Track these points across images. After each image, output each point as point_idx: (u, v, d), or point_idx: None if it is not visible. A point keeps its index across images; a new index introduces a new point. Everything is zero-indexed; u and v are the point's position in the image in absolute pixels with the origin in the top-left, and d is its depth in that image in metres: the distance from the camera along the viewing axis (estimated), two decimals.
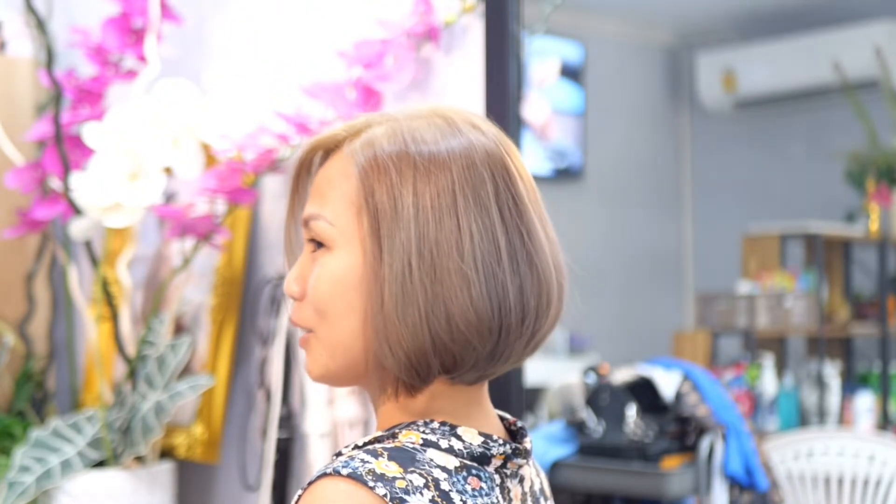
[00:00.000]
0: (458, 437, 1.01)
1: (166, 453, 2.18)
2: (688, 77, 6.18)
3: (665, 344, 5.13)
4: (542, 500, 1.10)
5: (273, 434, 2.04)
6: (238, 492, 2.18)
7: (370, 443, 1.01)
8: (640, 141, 6.10)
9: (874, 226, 4.84)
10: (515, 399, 1.78)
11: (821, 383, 4.45)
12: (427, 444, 1.00)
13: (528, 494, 1.07)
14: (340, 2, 2.09)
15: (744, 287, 4.78)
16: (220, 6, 2.32)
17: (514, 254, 1.00)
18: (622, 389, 3.12)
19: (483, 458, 1.01)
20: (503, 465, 1.02)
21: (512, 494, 1.04)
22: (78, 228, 2.05)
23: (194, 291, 2.23)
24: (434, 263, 0.97)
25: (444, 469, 0.98)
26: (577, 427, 3.16)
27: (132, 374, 2.06)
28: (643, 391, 3.11)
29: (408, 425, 1.02)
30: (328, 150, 1.07)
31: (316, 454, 1.96)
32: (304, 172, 1.09)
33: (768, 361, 4.42)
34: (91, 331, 2.17)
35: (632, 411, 3.07)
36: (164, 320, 2.09)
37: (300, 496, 0.96)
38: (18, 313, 2.44)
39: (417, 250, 0.97)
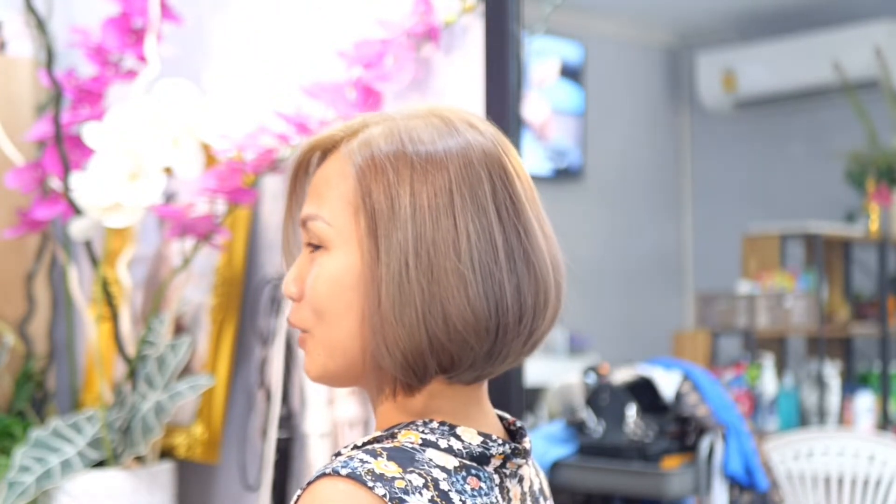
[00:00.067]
0: (458, 437, 1.01)
1: (166, 453, 2.18)
2: (688, 77, 6.18)
3: (665, 344, 5.13)
4: (541, 499, 1.10)
5: (273, 434, 2.04)
6: (238, 492, 2.18)
7: (369, 443, 1.01)
8: (640, 141, 6.10)
9: (874, 226, 4.84)
10: (515, 399, 1.78)
11: (821, 383, 4.45)
12: (426, 443, 0.99)
13: (528, 494, 1.07)
14: (340, 2, 2.09)
15: (744, 287, 4.78)
16: (220, 6, 2.32)
17: (511, 253, 1.00)
18: (622, 389, 3.12)
19: (482, 458, 1.01)
20: (502, 465, 1.02)
21: (511, 494, 1.04)
22: (78, 228, 2.05)
23: (194, 291, 2.23)
24: (431, 263, 0.97)
25: (443, 469, 0.98)
26: (577, 427, 3.16)
27: (132, 374, 2.06)
28: (643, 391, 3.11)
29: (407, 425, 1.02)
30: (326, 150, 1.07)
31: (316, 454, 1.96)
32: (301, 173, 1.09)
33: (768, 361, 4.42)
34: (91, 331, 2.17)
35: (632, 411, 3.07)
36: (164, 320, 2.09)
37: (299, 496, 0.96)
38: (18, 313, 2.44)
39: (414, 250, 0.97)
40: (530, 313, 1.01)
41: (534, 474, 1.10)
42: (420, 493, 0.94)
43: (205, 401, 2.16)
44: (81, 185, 1.98)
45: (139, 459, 2.07)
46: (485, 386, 1.07)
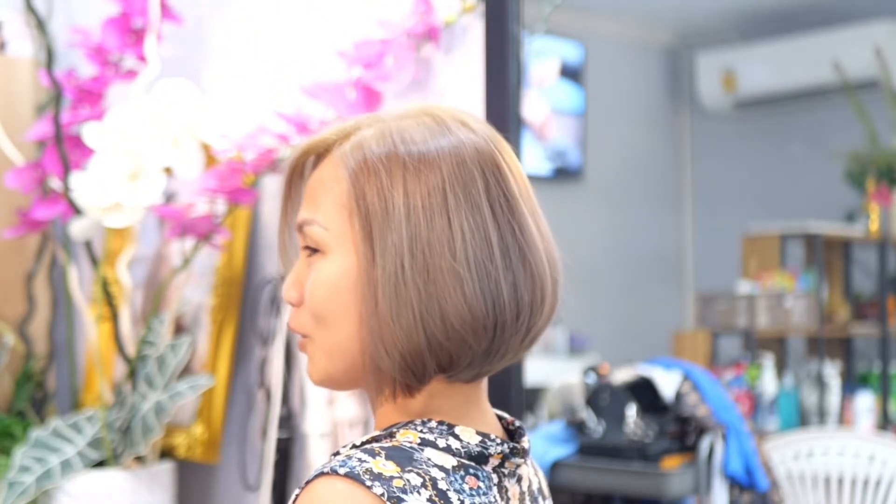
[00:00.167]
0: (456, 437, 1.01)
1: (166, 453, 2.18)
2: (688, 77, 6.18)
3: (665, 344, 5.13)
4: (540, 499, 1.10)
5: (273, 434, 2.04)
6: (238, 492, 2.18)
7: (368, 442, 1.01)
8: (640, 141, 6.10)
9: (874, 226, 4.84)
10: (515, 399, 1.78)
11: (821, 383, 4.45)
12: (425, 443, 1.00)
13: (527, 494, 1.07)
14: (340, 2, 2.09)
15: (744, 287, 4.78)
16: (220, 6, 2.32)
17: (506, 250, 1.00)
18: (622, 389, 3.12)
19: (481, 458, 1.01)
20: (501, 465, 1.03)
21: (510, 494, 1.04)
22: (78, 228, 2.05)
23: (194, 291, 2.23)
24: (426, 263, 0.97)
25: (441, 468, 0.98)
26: (577, 427, 3.16)
27: (132, 374, 2.06)
28: (643, 391, 3.11)
29: (405, 425, 1.02)
30: (319, 154, 1.07)
31: (316, 454, 1.96)
32: (296, 177, 1.09)
33: (768, 361, 4.42)
34: (91, 331, 2.17)
35: (632, 411, 3.07)
36: (164, 320, 2.09)
37: (298, 495, 0.96)
38: (18, 313, 2.44)
39: (409, 251, 0.98)
40: (527, 310, 1.01)
41: (532, 474, 1.10)
42: (418, 493, 0.94)
43: (205, 401, 2.16)
44: (81, 185, 1.98)
45: (139, 459, 2.07)
46: (484, 386, 1.07)
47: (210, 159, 2.05)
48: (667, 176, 6.24)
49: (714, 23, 5.91)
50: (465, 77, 1.88)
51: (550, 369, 4.22)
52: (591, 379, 3.22)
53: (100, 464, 2.03)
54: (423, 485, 0.95)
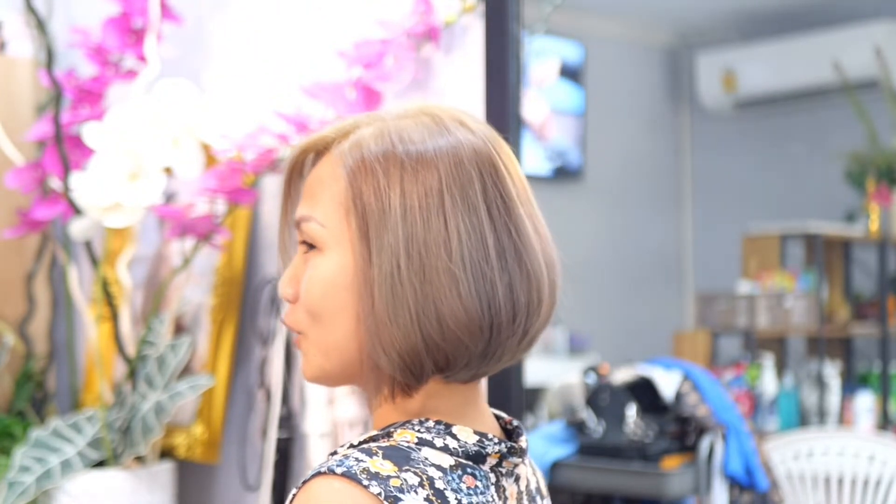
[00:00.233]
0: (453, 436, 1.01)
1: (166, 453, 2.18)
2: (688, 77, 6.18)
3: (665, 344, 5.13)
4: (538, 498, 1.10)
5: (273, 434, 2.04)
6: (238, 492, 2.18)
7: (365, 442, 1.01)
8: (640, 141, 6.10)
9: (874, 226, 4.84)
10: (515, 399, 1.78)
11: (821, 383, 4.45)
12: (422, 442, 1.00)
13: (524, 493, 1.07)
14: (340, 2, 2.09)
15: (744, 287, 4.78)
16: (220, 6, 2.32)
17: (502, 252, 1.00)
18: (622, 389, 3.12)
19: (478, 457, 1.01)
20: (498, 464, 1.03)
21: (507, 493, 1.04)
22: (78, 228, 2.05)
23: (194, 291, 2.23)
24: (423, 263, 0.97)
25: (438, 468, 0.98)
26: (577, 427, 3.16)
27: (132, 374, 2.06)
28: (643, 391, 3.11)
29: (403, 424, 1.02)
30: (318, 151, 1.07)
31: (316, 454, 1.96)
32: (295, 175, 1.09)
33: (768, 361, 4.42)
34: (91, 331, 2.17)
35: (632, 411, 3.07)
36: (164, 320, 2.09)
37: (295, 495, 0.96)
38: (18, 313, 2.44)
39: (405, 251, 0.98)
40: (524, 311, 1.01)
41: (530, 473, 1.10)
42: (415, 492, 0.94)
43: (205, 401, 2.16)
44: (81, 185, 1.98)
45: (139, 459, 2.07)
46: (481, 385, 1.07)
47: (210, 159, 2.05)
48: (667, 176, 6.24)
49: (714, 23, 5.91)
50: (465, 77, 1.88)
51: (550, 369, 4.22)
52: (591, 379, 3.22)
53: (100, 464, 2.03)
54: (421, 484, 0.95)
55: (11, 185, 2.16)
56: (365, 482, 0.93)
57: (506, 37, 1.81)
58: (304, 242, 1.05)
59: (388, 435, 1.01)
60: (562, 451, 3.12)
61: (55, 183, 2.12)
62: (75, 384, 2.38)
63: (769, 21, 5.66)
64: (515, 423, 1.09)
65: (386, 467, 0.95)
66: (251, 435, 2.16)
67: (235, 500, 2.20)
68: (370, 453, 0.96)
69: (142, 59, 2.09)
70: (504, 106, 1.80)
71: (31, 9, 2.22)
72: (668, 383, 3.11)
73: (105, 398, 2.09)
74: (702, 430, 3.01)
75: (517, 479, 1.06)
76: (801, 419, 4.43)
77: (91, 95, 2.13)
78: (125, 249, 2.19)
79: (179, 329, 2.23)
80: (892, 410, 4.48)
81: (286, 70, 2.16)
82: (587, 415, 3.14)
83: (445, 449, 1.00)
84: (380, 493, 0.93)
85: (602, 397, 3.12)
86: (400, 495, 0.93)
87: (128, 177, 1.96)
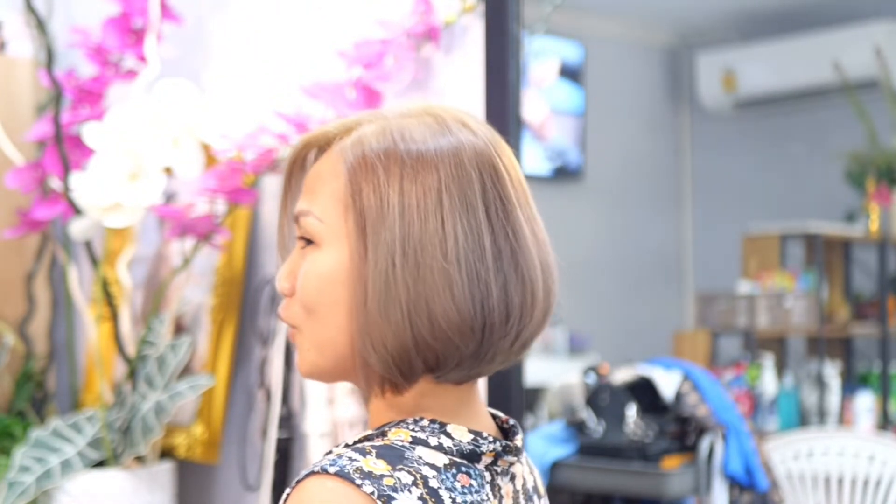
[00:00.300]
0: (448, 435, 1.01)
1: (166, 453, 2.18)
2: (688, 77, 6.18)
3: (665, 344, 5.13)
4: (535, 497, 1.10)
5: (273, 434, 2.04)
6: (238, 492, 2.18)
7: (360, 441, 1.01)
8: (640, 141, 6.10)
9: (874, 226, 4.84)
10: (515, 399, 1.78)
11: (821, 383, 4.45)
12: (416, 441, 1.00)
13: (521, 492, 1.07)
14: (340, 2, 2.09)
15: (744, 287, 4.78)
16: (220, 6, 2.32)
17: (498, 253, 1.00)
18: (622, 389, 3.12)
19: (473, 456, 1.01)
20: (493, 463, 1.02)
21: (503, 492, 1.03)
22: (78, 228, 2.05)
23: (194, 291, 2.23)
24: (417, 262, 0.98)
25: (432, 466, 0.98)
26: (577, 427, 3.16)
27: (132, 374, 2.06)
28: (643, 391, 3.11)
29: (397, 423, 1.02)
30: (320, 147, 1.07)
31: (316, 454, 1.96)
32: (296, 169, 1.10)
33: (768, 361, 4.42)
34: (91, 331, 2.17)
35: (632, 411, 3.07)
36: (164, 320, 2.09)
37: (289, 494, 0.96)
38: (18, 313, 2.44)
39: (401, 249, 0.98)
40: (517, 313, 1.01)
41: (527, 472, 1.10)
42: (409, 491, 0.94)
43: (205, 401, 2.16)
44: (81, 185, 1.98)
45: (139, 459, 2.07)
46: (476, 386, 1.07)
47: (210, 159, 2.05)
48: (667, 176, 6.24)
49: (714, 23, 5.91)
50: (465, 77, 1.88)
51: (550, 369, 4.21)
52: (591, 379, 3.22)
53: (100, 464, 2.03)
54: (414, 483, 0.95)
55: (11, 185, 2.16)
56: (358, 481, 0.93)
57: (506, 37, 1.81)
58: (302, 237, 1.05)
59: (383, 434, 1.01)
60: (562, 451, 3.12)
61: (55, 183, 2.12)
62: (75, 384, 2.38)
63: (769, 21, 5.66)
64: (512, 421, 1.09)
65: (379, 466, 0.95)
66: (251, 435, 2.16)
67: (235, 500, 2.20)
68: (364, 452, 0.96)
69: (142, 59, 2.09)
70: (504, 106, 1.80)
71: (31, 9, 2.22)
72: (668, 383, 3.11)
73: (105, 398, 2.09)
74: (702, 430, 3.01)
75: (513, 478, 1.05)
76: (801, 419, 4.43)
77: (91, 95, 2.13)
78: (125, 249, 2.19)
79: (179, 329, 2.23)
80: (892, 410, 4.48)
81: (286, 70, 2.16)
82: (587, 415, 3.14)
83: (440, 448, 1.00)
84: (373, 493, 0.93)
85: (602, 397, 3.12)
86: (393, 494, 0.93)
87: (128, 177, 1.96)
